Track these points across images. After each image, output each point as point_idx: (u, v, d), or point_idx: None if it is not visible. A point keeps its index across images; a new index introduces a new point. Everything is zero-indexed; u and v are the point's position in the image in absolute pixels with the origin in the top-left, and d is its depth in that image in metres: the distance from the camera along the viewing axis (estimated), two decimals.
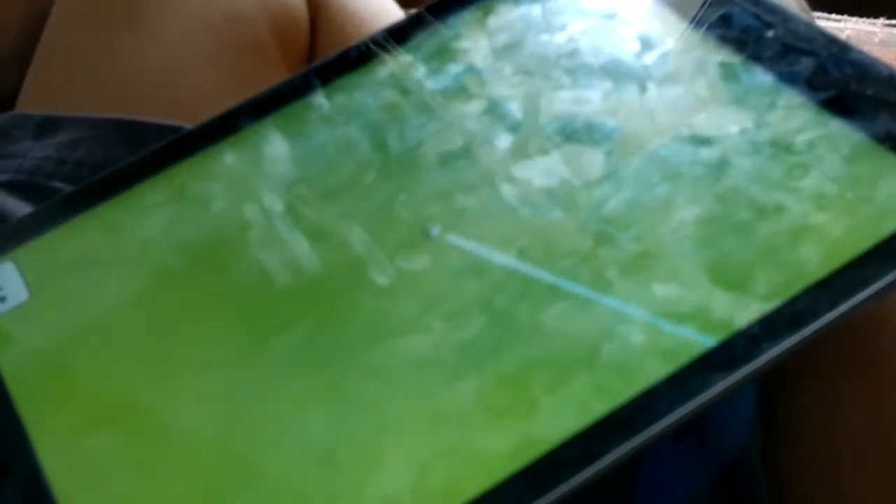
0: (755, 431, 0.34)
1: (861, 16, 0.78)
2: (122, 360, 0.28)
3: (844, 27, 0.77)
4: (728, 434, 0.34)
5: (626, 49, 0.33)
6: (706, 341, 0.25)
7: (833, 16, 0.78)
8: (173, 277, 0.30)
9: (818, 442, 0.32)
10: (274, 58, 0.47)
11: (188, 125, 0.37)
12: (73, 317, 0.30)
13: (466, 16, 0.35)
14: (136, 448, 0.26)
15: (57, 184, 0.40)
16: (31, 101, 0.45)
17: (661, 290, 0.26)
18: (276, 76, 0.45)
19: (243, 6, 0.47)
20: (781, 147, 0.28)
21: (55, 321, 0.30)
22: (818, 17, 0.77)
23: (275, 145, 0.33)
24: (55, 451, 0.26)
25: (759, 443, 0.34)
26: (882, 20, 0.77)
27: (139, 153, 0.34)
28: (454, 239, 0.29)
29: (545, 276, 0.27)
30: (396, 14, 0.53)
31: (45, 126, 0.42)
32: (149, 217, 0.32)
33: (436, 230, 0.29)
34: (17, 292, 0.30)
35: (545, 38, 0.34)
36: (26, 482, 0.26)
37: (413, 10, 0.37)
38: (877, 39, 0.75)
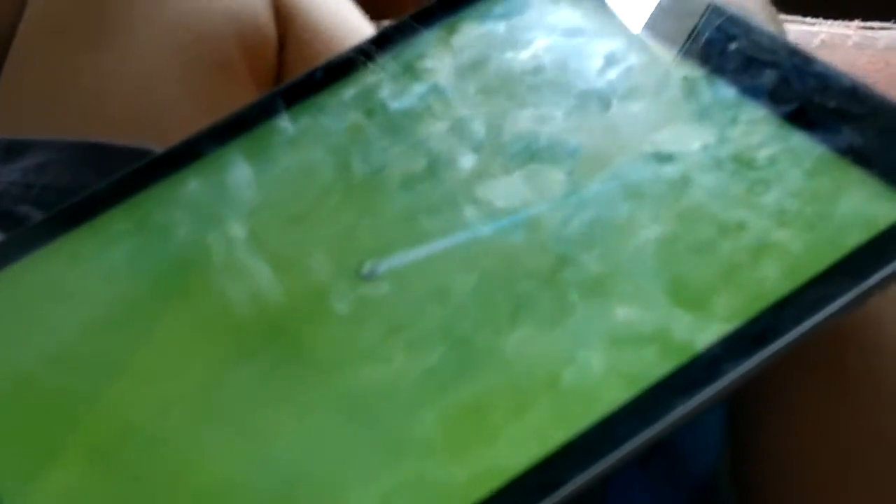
0: (724, 451, 0.34)
1: (835, 19, 0.78)
2: (84, 392, 0.28)
3: (819, 30, 0.77)
4: (697, 455, 0.34)
5: (589, 66, 0.32)
6: (668, 364, 0.24)
7: (807, 19, 0.78)
8: (136, 308, 0.30)
9: (787, 461, 0.32)
10: (243, 76, 0.47)
11: (157, 147, 0.36)
12: (36, 349, 0.29)
13: (432, 35, 0.35)
14: (98, 482, 0.26)
15: (24, 208, 0.40)
16: None
17: (622, 312, 0.26)
18: (245, 94, 0.45)
19: (211, 24, 0.46)
20: (743, 162, 0.28)
21: (17, 354, 0.29)
22: (792, 21, 0.77)
23: (239, 171, 0.32)
24: (15, 486, 0.26)
25: (728, 463, 0.34)
26: (856, 23, 0.77)
27: (103, 181, 0.33)
28: (415, 263, 0.28)
29: (507, 299, 0.27)
30: (366, 30, 0.52)
31: (11, 149, 0.42)
32: (113, 247, 0.31)
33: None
34: None
35: (509, 55, 0.34)
36: None
37: (382, 25, 0.37)
38: (850, 42, 0.75)
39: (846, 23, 0.78)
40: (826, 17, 0.79)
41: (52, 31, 0.47)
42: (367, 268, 0.28)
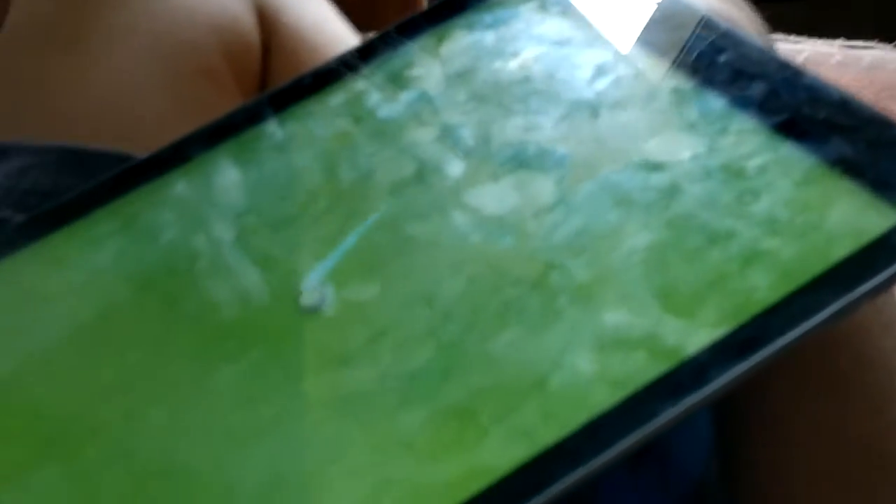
0: (714, 455, 0.34)
1: (819, 37, 0.79)
2: (67, 393, 0.28)
3: (803, 48, 0.77)
4: (687, 459, 0.34)
5: (578, 75, 0.32)
6: (656, 368, 0.24)
7: (791, 37, 0.79)
8: (120, 309, 0.29)
9: (777, 465, 0.32)
10: (226, 83, 0.46)
11: (138, 153, 0.36)
12: (17, 350, 0.29)
13: (420, 43, 0.35)
14: (81, 481, 0.26)
15: (5, 212, 0.40)
16: None
17: (610, 318, 0.26)
18: (228, 102, 0.45)
19: (194, 32, 0.46)
20: (733, 172, 0.28)
21: None
22: (777, 39, 0.78)
23: (226, 174, 0.32)
24: None
25: (718, 467, 0.34)
26: (839, 42, 0.78)
27: (88, 183, 0.33)
28: (400, 268, 0.28)
29: (495, 304, 0.27)
30: (351, 39, 0.52)
31: None
32: (97, 248, 0.31)
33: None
34: None
35: (498, 64, 0.34)
36: None
37: (368, 35, 0.37)
38: (834, 61, 0.76)
39: (829, 41, 0.79)
40: (810, 35, 0.79)
41: (31, 36, 0.46)
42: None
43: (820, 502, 0.31)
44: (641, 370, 0.24)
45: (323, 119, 0.33)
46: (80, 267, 0.31)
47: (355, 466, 0.24)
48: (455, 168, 0.31)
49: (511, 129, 0.31)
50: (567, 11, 0.35)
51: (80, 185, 0.33)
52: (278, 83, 0.35)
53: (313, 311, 0.28)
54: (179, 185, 0.32)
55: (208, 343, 0.28)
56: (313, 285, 0.28)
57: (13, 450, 0.27)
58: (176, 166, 0.33)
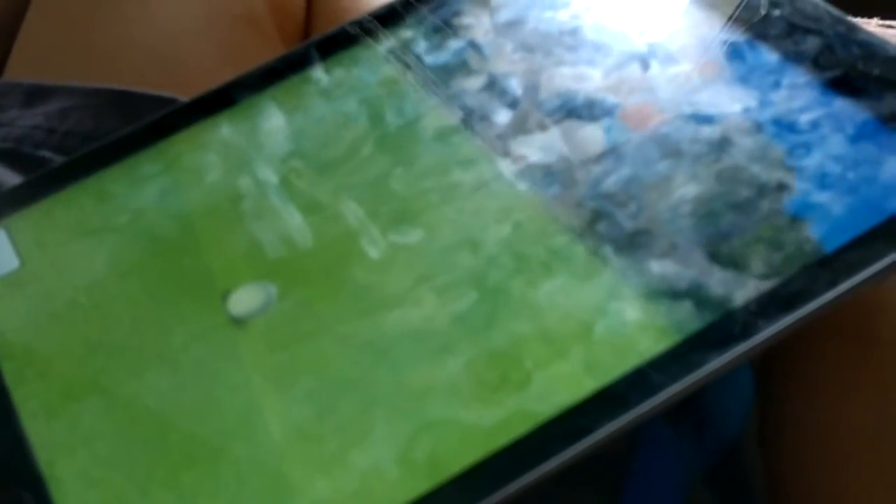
0: (752, 418, 0.34)
1: (854, 16, 0.78)
2: (110, 328, 0.28)
3: None
4: (725, 420, 0.34)
5: (629, 27, 0.32)
6: (702, 318, 0.24)
7: None
8: (164, 248, 0.30)
9: (815, 430, 0.31)
10: (269, 31, 0.46)
11: (182, 97, 0.36)
12: (63, 285, 0.29)
13: None
14: (120, 416, 0.26)
15: (46, 153, 0.40)
16: (19, 70, 0.44)
17: (657, 267, 0.26)
18: (271, 50, 0.45)
19: None
20: (784, 126, 0.28)
21: (44, 289, 0.29)
22: None
23: (271, 118, 0.32)
24: (38, 417, 0.26)
25: (755, 429, 0.34)
26: (876, 20, 0.77)
27: (135, 124, 0.33)
28: (446, 213, 0.28)
29: (540, 251, 0.27)
30: None
31: (34, 94, 0.42)
32: (143, 187, 0.31)
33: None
34: (8, 260, 0.30)
35: (548, 15, 0.33)
36: (8, 446, 0.25)
37: None
38: None
39: (866, 20, 0.78)
40: (846, 14, 0.79)
41: None
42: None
43: (859, 467, 0.31)
44: (688, 319, 0.24)
45: (369, 66, 0.33)
46: (126, 205, 0.31)
47: (397, 408, 0.24)
48: (502, 116, 0.30)
49: (560, 79, 0.31)
50: None
51: (123, 127, 0.33)
52: (321, 32, 0.35)
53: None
54: (224, 128, 0.32)
55: (251, 282, 0.28)
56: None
57: (54, 382, 0.27)
58: (221, 109, 0.33)
